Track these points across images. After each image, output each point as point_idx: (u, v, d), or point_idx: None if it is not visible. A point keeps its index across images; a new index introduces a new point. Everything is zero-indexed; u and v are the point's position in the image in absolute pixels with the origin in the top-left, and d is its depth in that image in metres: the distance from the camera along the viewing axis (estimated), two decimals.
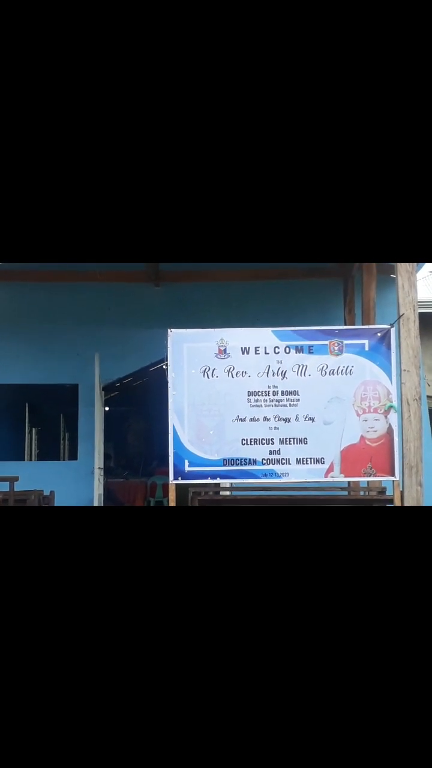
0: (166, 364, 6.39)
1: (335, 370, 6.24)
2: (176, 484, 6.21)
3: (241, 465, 6.20)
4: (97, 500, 9.67)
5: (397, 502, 6.01)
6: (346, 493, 7.74)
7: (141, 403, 14.33)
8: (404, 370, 5.97)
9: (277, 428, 6.22)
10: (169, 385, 6.32)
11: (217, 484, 6.73)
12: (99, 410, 10.04)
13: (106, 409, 11.11)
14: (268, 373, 6.28)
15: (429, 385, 11.31)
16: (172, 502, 6.20)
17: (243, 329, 6.50)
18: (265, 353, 6.30)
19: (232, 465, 6.21)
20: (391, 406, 6.16)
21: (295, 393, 6.26)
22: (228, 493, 7.63)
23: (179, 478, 6.21)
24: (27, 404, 13.00)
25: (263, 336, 6.35)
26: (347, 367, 6.23)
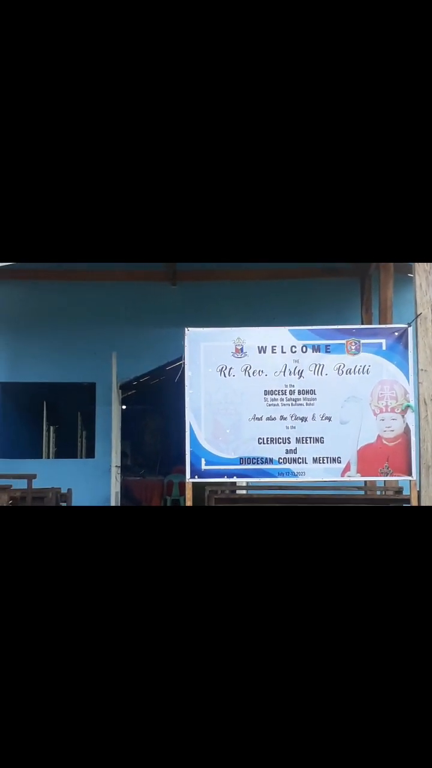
0: (184, 363, 6.41)
1: (352, 370, 6.23)
2: (193, 483, 6.23)
3: (258, 464, 6.21)
4: (113, 498, 9.71)
5: (414, 502, 5.99)
6: (362, 492, 7.73)
7: (158, 401, 14.36)
8: (422, 370, 5.95)
9: (294, 427, 6.22)
10: (186, 383, 6.34)
11: (234, 483, 6.74)
12: (116, 409, 10.08)
13: (123, 407, 11.15)
14: (285, 372, 6.28)
15: None
16: (189, 501, 6.22)
17: (260, 328, 6.51)
18: (282, 352, 6.30)
19: (249, 464, 6.21)
20: (408, 406, 6.14)
21: (312, 392, 6.25)
22: (244, 491, 7.64)
23: (196, 477, 6.23)
24: (45, 402, 13.08)
25: (280, 335, 6.35)
26: (364, 366, 6.22)
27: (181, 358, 6.57)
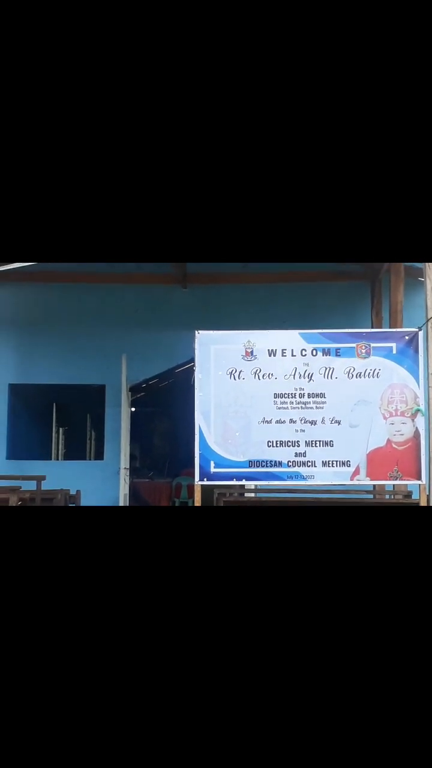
0: (194, 366, 6.42)
1: (362, 373, 6.22)
2: (201, 486, 6.23)
3: (267, 467, 6.21)
4: (122, 500, 9.73)
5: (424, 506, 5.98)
6: (371, 496, 7.71)
7: (167, 404, 14.37)
8: None
9: (303, 430, 6.22)
10: (196, 386, 6.34)
11: (242, 486, 6.74)
12: (125, 411, 10.10)
13: (133, 409, 11.16)
14: (294, 375, 6.28)
15: None
16: (198, 503, 6.23)
17: (270, 331, 6.51)
18: (292, 355, 6.30)
19: (258, 467, 6.21)
20: (418, 410, 6.13)
21: (322, 395, 6.25)
22: (253, 495, 7.63)
23: (205, 479, 6.23)
24: (54, 404, 13.11)
25: (290, 338, 6.35)
26: (374, 370, 6.21)
27: (191, 360, 6.58)
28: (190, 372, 9.96)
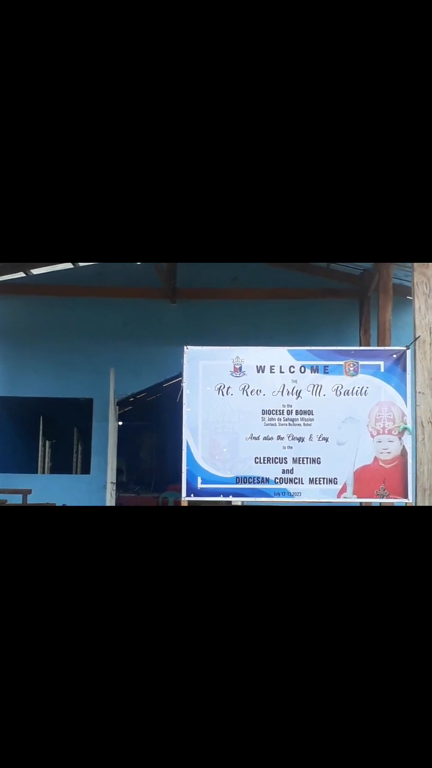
0: (182, 381, 6.42)
1: (350, 391, 6.23)
2: (188, 501, 6.22)
3: (254, 483, 6.20)
4: None
5: None
6: None
7: (155, 418, 14.35)
8: (419, 392, 5.96)
9: (291, 447, 6.22)
10: (184, 401, 6.34)
11: (229, 502, 6.72)
12: (113, 425, 10.08)
13: (120, 423, 11.14)
14: (282, 392, 6.28)
15: None
16: None
17: (258, 348, 6.52)
18: (281, 372, 6.31)
19: (245, 483, 6.20)
20: (405, 428, 6.15)
21: (310, 412, 6.25)
22: None
23: (191, 495, 6.21)
24: (41, 417, 13.07)
25: (279, 355, 6.36)
26: (362, 387, 6.22)
27: (179, 375, 6.58)
28: (178, 387, 9.96)
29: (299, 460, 6.20)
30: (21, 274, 11.05)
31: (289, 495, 6.17)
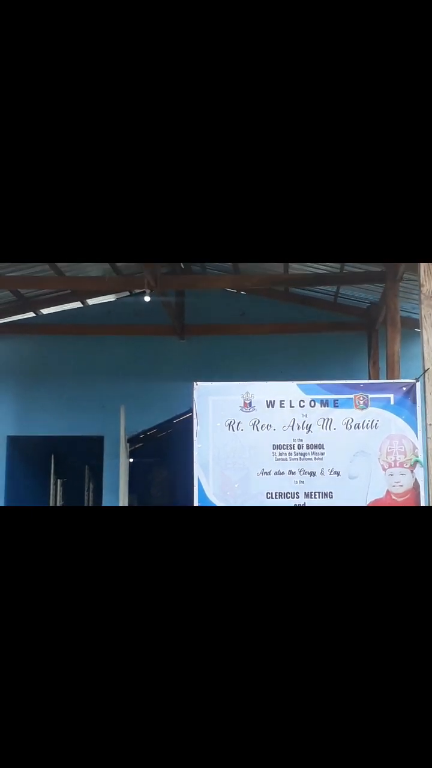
0: (193, 417, 6.44)
1: (360, 424, 6.23)
2: None
3: None
4: None
5: None
6: None
7: (165, 454, 14.34)
8: (430, 425, 5.95)
9: (303, 482, 6.20)
10: (195, 437, 6.34)
11: None
12: (124, 462, 10.08)
13: (131, 460, 11.14)
14: (293, 426, 6.28)
15: None
16: None
17: (268, 383, 6.54)
18: (291, 407, 6.31)
19: None
20: (417, 461, 6.12)
21: (321, 447, 6.24)
22: None
23: None
24: (53, 455, 13.08)
25: (288, 389, 6.37)
26: (372, 421, 6.22)
27: (189, 411, 6.60)
28: (189, 422, 9.96)
29: (311, 495, 6.18)
30: (31, 314, 11.16)
31: None
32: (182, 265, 10.64)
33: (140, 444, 13.25)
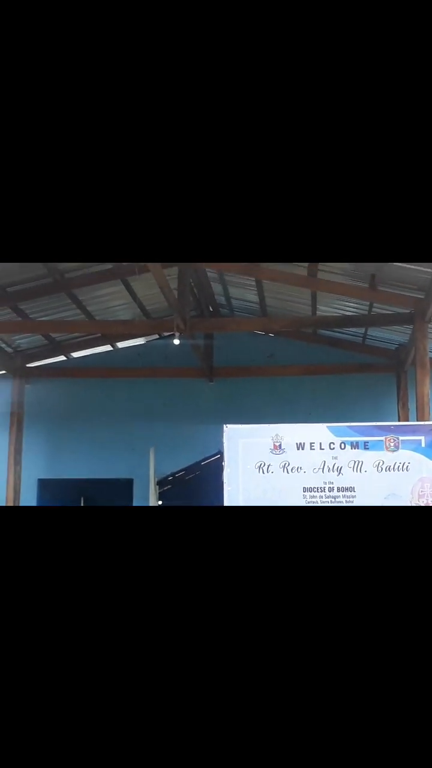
0: (222, 459, 6.45)
1: (391, 467, 6.20)
2: None
3: None
4: None
5: None
6: None
7: (194, 497, 14.31)
8: None
9: None
10: (225, 480, 6.36)
11: None
12: (153, 504, 10.08)
13: (160, 502, 11.13)
14: (323, 468, 6.28)
15: None
16: None
17: (298, 425, 6.56)
18: (321, 449, 6.31)
19: None
20: None
21: (351, 489, 6.22)
22: None
23: None
24: (82, 498, 13.11)
25: (318, 432, 6.38)
26: (404, 463, 6.19)
27: (217, 453, 6.62)
28: (217, 465, 9.95)
29: None
30: (62, 358, 11.31)
31: None
32: (210, 308, 10.75)
33: (169, 486, 13.25)
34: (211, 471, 10.53)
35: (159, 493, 10.73)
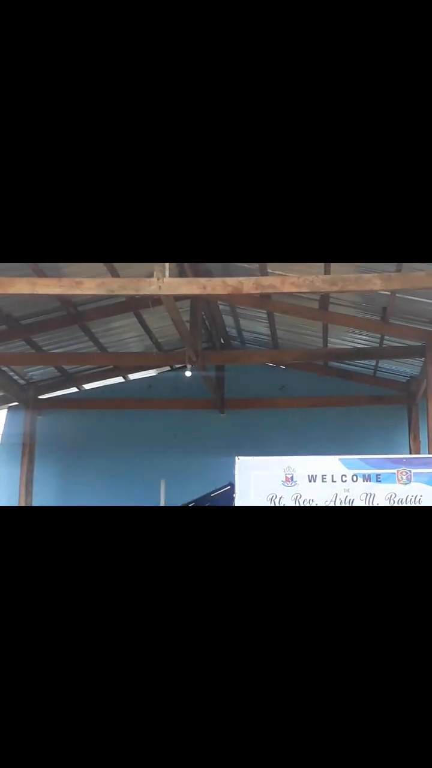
0: (231, 490, 6.45)
1: (404, 499, 6.19)
2: None
3: None
4: None
5: None
6: None
7: None
8: None
9: None
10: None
11: None
12: None
13: None
14: (335, 501, 6.27)
15: None
16: None
17: (310, 457, 6.56)
18: (333, 481, 6.32)
19: None
20: None
21: None
22: None
23: None
24: None
25: (330, 464, 6.39)
26: (416, 496, 6.18)
27: (228, 485, 6.62)
28: (227, 496, 9.93)
29: None
30: (74, 389, 11.37)
31: None
32: (222, 340, 10.81)
33: None
34: (220, 503, 10.51)
35: None
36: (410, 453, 9.60)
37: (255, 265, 7.13)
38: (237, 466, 6.43)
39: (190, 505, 11.61)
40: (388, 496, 6.23)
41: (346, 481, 6.30)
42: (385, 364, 10.21)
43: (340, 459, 6.41)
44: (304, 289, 5.97)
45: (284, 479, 6.39)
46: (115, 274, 6.94)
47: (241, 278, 6.12)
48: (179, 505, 10.87)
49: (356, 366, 10.65)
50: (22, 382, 10.65)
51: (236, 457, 6.49)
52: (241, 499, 6.36)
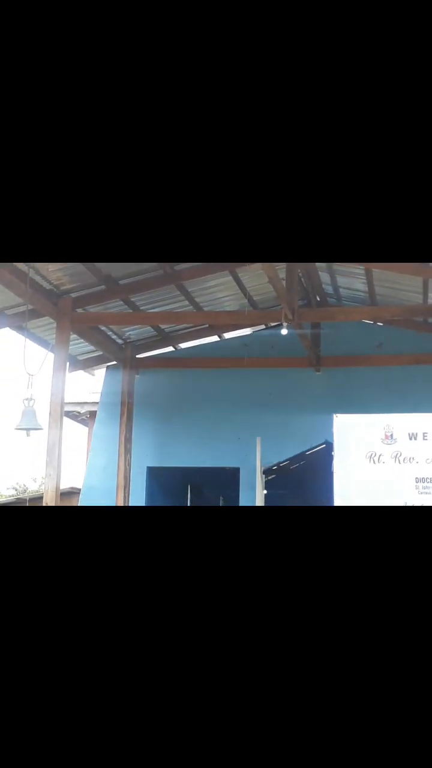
0: (326, 448, 6.44)
1: None
2: None
3: None
4: None
5: None
6: None
7: (300, 487, 14.32)
8: None
9: None
10: (335, 469, 6.35)
11: None
12: (260, 493, 10.15)
13: (266, 492, 11.20)
14: None
15: None
16: None
17: (410, 414, 6.47)
18: None
19: None
20: None
21: None
22: None
23: None
24: (189, 486, 13.34)
25: (430, 421, 6.27)
26: None
27: (323, 443, 6.61)
28: (322, 455, 9.91)
29: None
30: (170, 348, 11.53)
31: None
32: (318, 298, 10.69)
33: (273, 476, 13.30)
34: (317, 461, 10.49)
35: (265, 482, 10.79)
36: None
37: None
38: (336, 423, 6.40)
39: (286, 463, 11.67)
40: None
41: None
42: None
43: None
44: None
45: (383, 437, 6.33)
46: None
47: None
48: (274, 462, 10.95)
49: None
50: (120, 341, 10.86)
51: (335, 415, 6.45)
52: (339, 457, 6.35)
